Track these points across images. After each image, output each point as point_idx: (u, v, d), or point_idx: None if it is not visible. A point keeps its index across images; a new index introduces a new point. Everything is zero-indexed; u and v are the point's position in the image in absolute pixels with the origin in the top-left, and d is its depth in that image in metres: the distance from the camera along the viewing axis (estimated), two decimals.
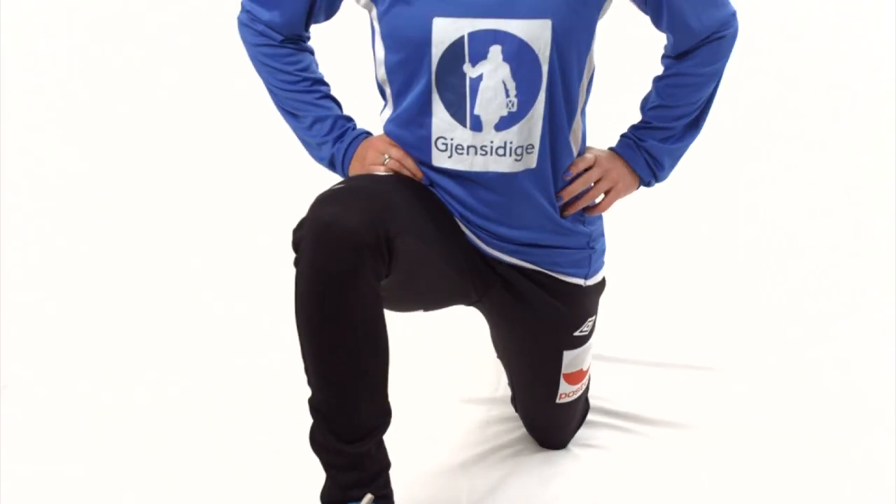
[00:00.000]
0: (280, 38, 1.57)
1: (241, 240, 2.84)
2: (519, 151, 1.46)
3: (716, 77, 1.58)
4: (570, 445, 1.84)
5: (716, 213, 3.07)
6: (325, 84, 1.62)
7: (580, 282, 1.62)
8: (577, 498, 1.70)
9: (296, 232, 1.34)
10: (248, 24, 1.60)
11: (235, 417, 1.97)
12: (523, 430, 1.87)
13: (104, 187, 3.19)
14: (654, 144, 1.60)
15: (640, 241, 2.78)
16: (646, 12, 1.53)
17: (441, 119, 1.45)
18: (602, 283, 1.69)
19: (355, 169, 1.55)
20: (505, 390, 1.97)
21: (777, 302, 2.48)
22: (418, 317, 1.82)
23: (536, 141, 1.46)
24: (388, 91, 1.53)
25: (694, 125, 1.61)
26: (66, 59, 4.23)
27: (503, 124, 1.44)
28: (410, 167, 1.50)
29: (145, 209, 3.04)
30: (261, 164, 3.32)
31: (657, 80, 1.60)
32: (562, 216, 1.55)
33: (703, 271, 2.67)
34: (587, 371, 1.74)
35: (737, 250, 2.80)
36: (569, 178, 1.54)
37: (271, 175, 3.23)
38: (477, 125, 1.44)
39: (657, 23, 1.54)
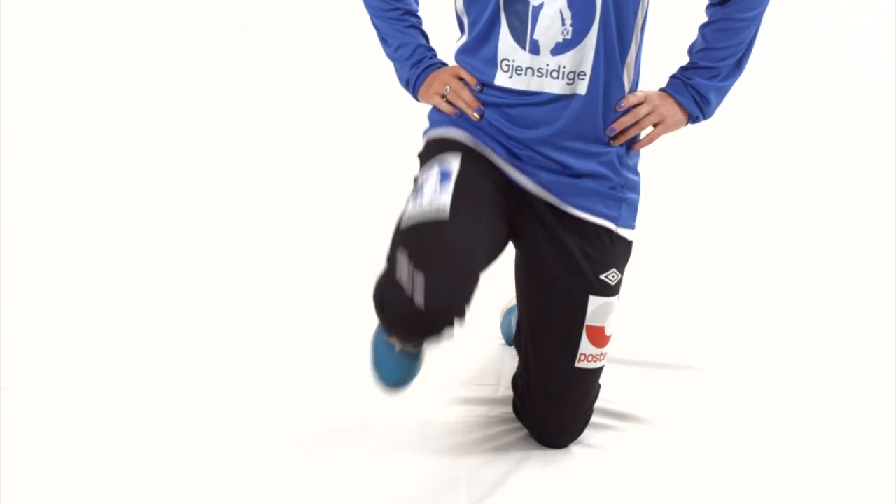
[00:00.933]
0: None
1: (241, 240, 2.84)
2: (571, 76, 1.61)
3: (756, 21, 1.70)
4: (571, 446, 1.83)
5: (715, 214, 3.08)
6: (416, 16, 1.81)
7: (610, 225, 1.72)
8: (577, 498, 1.70)
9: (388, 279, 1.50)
10: None
11: (236, 417, 1.97)
12: (524, 430, 1.87)
13: (104, 187, 3.19)
14: (701, 82, 1.72)
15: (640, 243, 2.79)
16: None
17: (505, 42, 1.61)
18: (629, 245, 1.76)
19: (423, 93, 1.76)
20: (505, 391, 1.97)
21: (777, 302, 2.49)
22: None
23: (588, 69, 1.61)
24: (465, 21, 1.70)
25: (737, 65, 1.73)
26: (66, 59, 4.23)
27: (558, 49, 1.59)
28: (467, 99, 1.68)
29: (145, 208, 3.04)
30: (260, 164, 3.32)
31: (703, 26, 1.73)
32: (611, 144, 1.68)
33: (704, 271, 2.67)
34: (609, 338, 1.74)
35: (736, 250, 2.81)
36: (621, 109, 1.67)
37: (271, 175, 3.23)
38: (535, 49, 1.60)
39: None
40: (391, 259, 1.51)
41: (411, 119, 2.08)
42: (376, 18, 1.81)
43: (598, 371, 1.77)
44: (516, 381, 1.86)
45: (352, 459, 1.79)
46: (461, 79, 1.70)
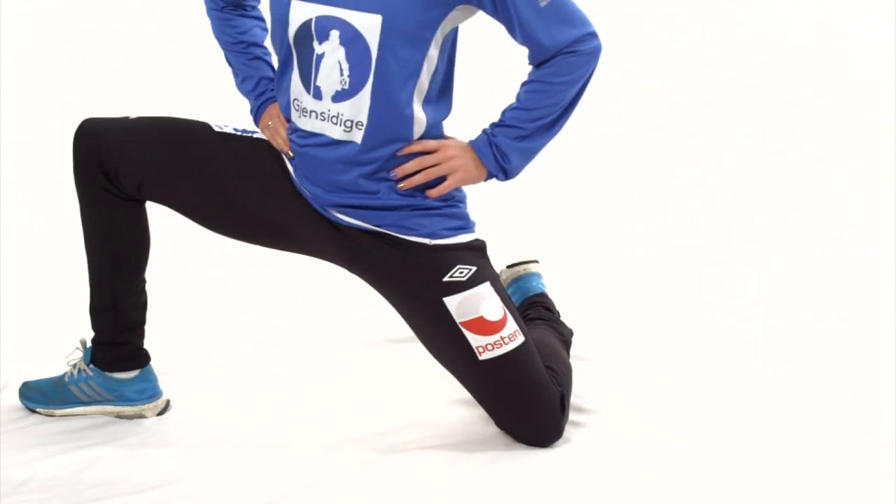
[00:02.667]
0: (222, 3, 1.86)
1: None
2: (348, 124, 1.68)
3: (573, 86, 1.69)
4: (559, 445, 1.80)
5: (707, 213, 3.09)
6: (261, 47, 1.88)
7: (426, 241, 1.73)
8: (558, 495, 1.68)
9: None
10: (212, 4, 1.88)
11: (237, 417, 1.97)
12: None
13: None
14: (505, 141, 1.71)
15: (626, 240, 2.81)
16: (501, 21, 1.68)
17: (296, 85, 1.71)
18: (475, 244, 1.77)
19: (260, 124, 1.84)
20: None
21: (767, 300, 2.51)
22: None
23: (365, 119, 1.67)
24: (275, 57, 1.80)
25: (548, 128, 1.72)
26: (66, 59, 4.24)
27: (338, 97, 1.68)
28: (282, 136, 1.77)
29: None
30: None
31: (522, 84, 1.73)
32: (399, 189, 1.72)
33: (691, 269, 2.69)
34: (502, 320, 1.73)
35: (727, 248, 2.82)
36: (401, 155, 1.71)
37: None
38: (318, 94, 1.69)
39: (512, 35, 1.69)
40: None
41: None
42: (226, 51, 1.89)
43: (516, 353, 1.74)
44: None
45: (349, 460, 1.80)
46: (280, 118, 1.79)
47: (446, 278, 1.71)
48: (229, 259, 2.68)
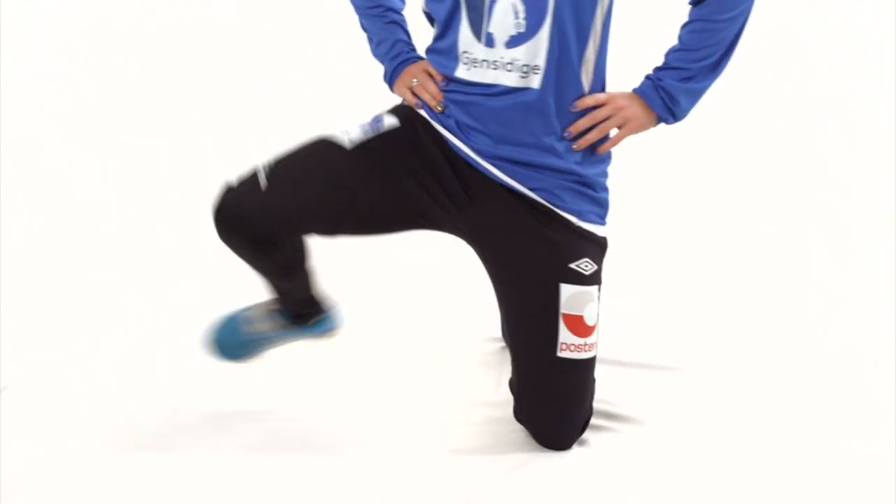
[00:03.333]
0: None
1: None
2: (525, 70, 1.63)
3: (736, 22, 1.66)
4: (574, 446, 1.77)
5: (705, 213, 3.08)
6: (398, 13, 1.86)
7: (572, 219, 1.71)
8: (578, 499, 1.66)
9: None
10: None
11: (237, 417, 1.97)
12: (524, 432, 1.81)
13: (104, 187, 3.20)
14: (672, 83, 1.68)
15: (634, 241, 2.78)
16: None
17: (465, 35, 1.66)
18: (600, 241, 1.75)
19: (397, 85, 1.81)
20: (506, 393, 1.91)
21: (769, 304, 2.49)
22: (419, 319, 2.02)
23: (542, 63, 1.63)
24: (436, 17, 1.74)
25: (714, 68, 1.69)
26: (65, 60, 4.24)
27: (512, 42, 1.62)
28: (432, 91, 1.73)
29: (144, 209, 3.05)
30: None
31: (682, 27, 1.71)
32: (575, 148, 1.69)
33: (695, 272, 2.68)
34: (592, 329, 1.71)
35: (727, 250, 2.81)
36: (574, 110, 1.67)
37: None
38: (490, 41, 1.64)
39: None
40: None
41: None
42: (361, 17, 1.87)
43: (586, 363, 1.72)
44: (512, 383, 1.83)
45: (351, 459, 1.78)
46: (429, 73, 1.74)
47: (572, 265, 1.69)
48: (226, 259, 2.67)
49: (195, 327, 2.18)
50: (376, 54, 1.88)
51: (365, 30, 1.88)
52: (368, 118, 1.79)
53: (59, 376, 2.11)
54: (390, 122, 1.77)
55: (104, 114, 3.77)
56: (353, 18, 1.91)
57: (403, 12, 1.87)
